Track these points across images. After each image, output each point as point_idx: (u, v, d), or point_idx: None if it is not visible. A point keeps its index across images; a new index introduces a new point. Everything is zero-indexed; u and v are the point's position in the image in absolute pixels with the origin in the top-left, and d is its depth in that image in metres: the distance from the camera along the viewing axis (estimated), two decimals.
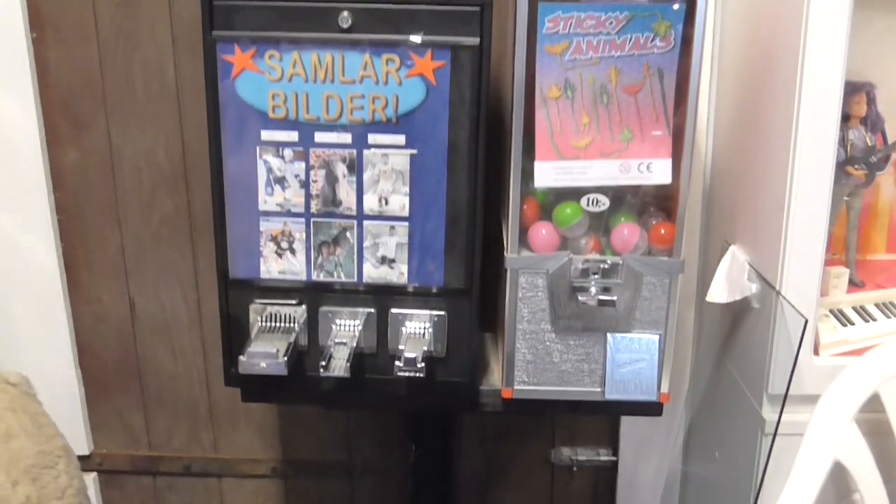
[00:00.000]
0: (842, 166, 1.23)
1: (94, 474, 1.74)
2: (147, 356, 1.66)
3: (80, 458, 1.71)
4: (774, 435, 1.16)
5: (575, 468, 1.70)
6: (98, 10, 1.45)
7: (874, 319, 1.26)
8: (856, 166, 1.25)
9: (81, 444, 1.70)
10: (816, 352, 1.19)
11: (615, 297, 1.14)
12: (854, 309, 1.28)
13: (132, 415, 1.70)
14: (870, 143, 1.26)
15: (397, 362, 1.11)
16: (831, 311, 1.26)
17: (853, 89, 1.22)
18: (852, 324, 1.24)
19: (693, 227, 1.46)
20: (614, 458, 1.68)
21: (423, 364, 1.10)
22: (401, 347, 1.17)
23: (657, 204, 1.21)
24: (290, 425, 1.70)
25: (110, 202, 1.56)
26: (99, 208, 1.56)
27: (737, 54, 1.35)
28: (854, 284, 1.30)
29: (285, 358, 1.12)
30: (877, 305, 1.28)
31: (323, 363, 1.11)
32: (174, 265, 1.59)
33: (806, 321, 1.08)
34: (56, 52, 1.47)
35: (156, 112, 1.50)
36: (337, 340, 1.14)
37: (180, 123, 1.50)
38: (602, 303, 1.14)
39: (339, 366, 1.12)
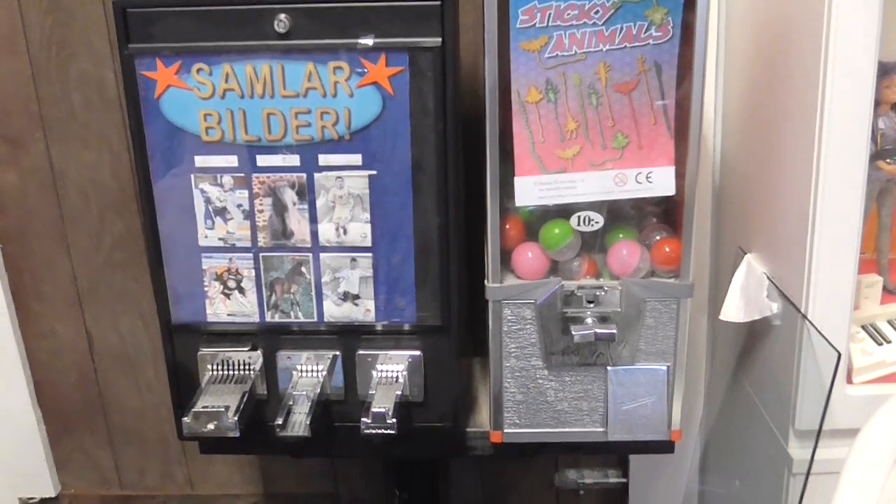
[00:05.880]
0: (872, 160, 1.06)
1: None
2: (110, 391, 1.52)
3: (48, 500, 1.60)
4: (807, 477, 1.01)
5: (581, 492, 1.57)
6: (26, 20, 1.28)
7: None
8: (888, 160, 1.09)
9: (47, 484, 1.58)
10: (849, 379, 1.04)
11: (614, 330, 0.98)
12: (889, 323, 1.12)
13: (99, 452, 1.57)
14: None
15: (364, 418, 0.96)
16: (863, 327, 1.11)
17: (883, 71, 1.05)
18: (888, 341, 1.09)
19: (703, 232, 1.30)
20: (624, 481, 1.54)
21: (394, 420, 0.95)
22: (371, 392, 1.02)
23: (660, 215, 1.05)
24: (272, 456, 1.56)
25: (56, 226, 1.41)
26: (45, 233, 1.42)
27: (746, 35, 1.18)
28: (888, 291, 1.14)
29: (236, 417, 0.97)
30: None
31: (280, 422, 0.96)
32: (131, 292, 1.44)
33: (839, 355, 0.93)
34: None
35: (98, 128, 1.34)
36: (296, 392, 0.99)
37: (127, 139, 1.34)
38: (599, 337, 0.98)
39: (298, 422, 0.97)
